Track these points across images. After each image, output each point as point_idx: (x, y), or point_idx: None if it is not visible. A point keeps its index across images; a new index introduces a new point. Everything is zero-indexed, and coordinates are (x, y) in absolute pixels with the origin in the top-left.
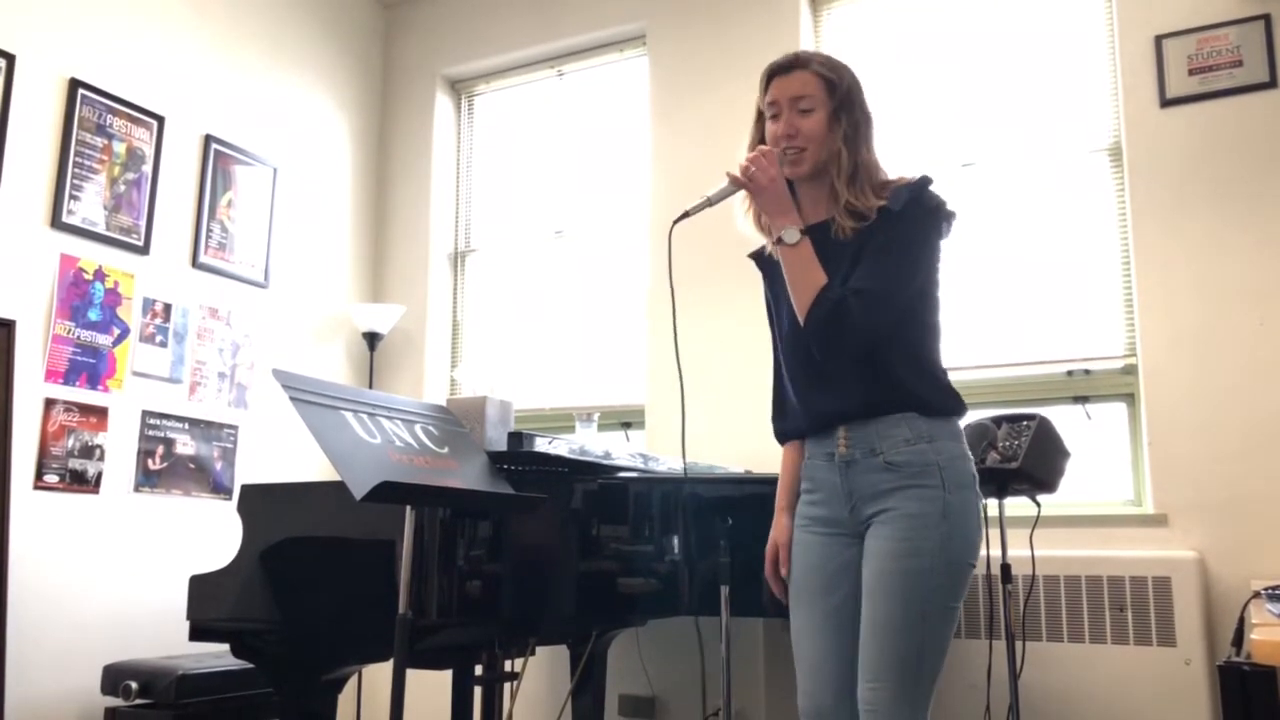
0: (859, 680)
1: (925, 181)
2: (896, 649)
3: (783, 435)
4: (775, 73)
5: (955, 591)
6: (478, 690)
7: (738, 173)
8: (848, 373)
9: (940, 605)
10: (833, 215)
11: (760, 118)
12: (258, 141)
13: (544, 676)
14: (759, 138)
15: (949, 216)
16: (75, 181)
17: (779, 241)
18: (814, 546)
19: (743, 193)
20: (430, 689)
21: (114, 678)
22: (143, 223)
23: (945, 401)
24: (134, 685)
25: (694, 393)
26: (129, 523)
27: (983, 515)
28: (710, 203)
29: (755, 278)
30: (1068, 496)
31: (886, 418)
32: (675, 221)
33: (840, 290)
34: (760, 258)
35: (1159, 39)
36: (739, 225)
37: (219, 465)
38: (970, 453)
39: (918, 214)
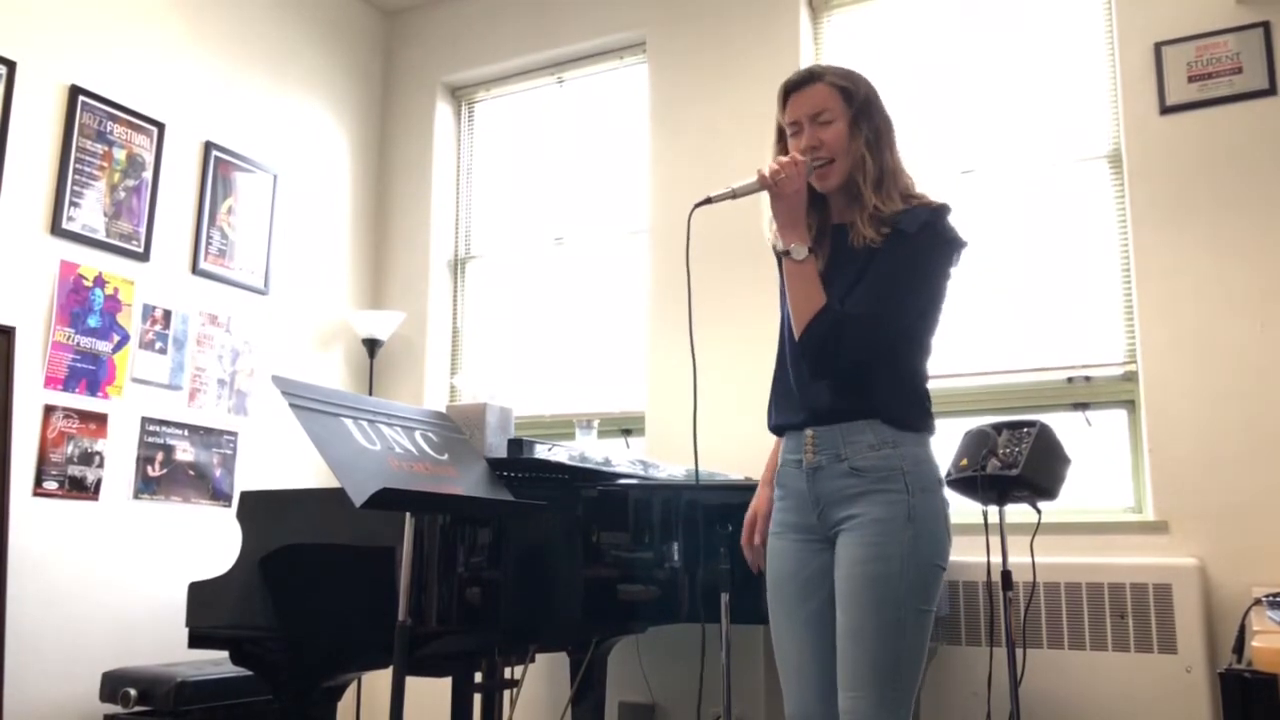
0: (839, 690)
1: (944, 210)
2: (873, 657)
3: (777, 430)
4: (790, 89)
5: (927, 595)
6: (477, 698)
7: (767, 173)
8: (816, 376)
9: (913, 609)
10: (852, 220)
11: (781, 135)
12: (258, 148)
13: (544, 684)
14: (781, 154)
15: (961, 247)
16: (75, 188)
17: (786, 254)
18: (788, 553)
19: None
20: (430, 696)
21: (113, 685)
22: (143, 229)
23: (917, 417)
24: (133, 692)
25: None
26: (128, 529)
27: (949, 518)
28: (735, 194)
29: (755, 286)
30: (1068, 503)
31: (854, 423)
32: (697, 205)
33: (838, 311)
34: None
35: (1159, 46)
36: (765, 234)
37: (218, 472)
38: (936, 459)
39: (932, 242)
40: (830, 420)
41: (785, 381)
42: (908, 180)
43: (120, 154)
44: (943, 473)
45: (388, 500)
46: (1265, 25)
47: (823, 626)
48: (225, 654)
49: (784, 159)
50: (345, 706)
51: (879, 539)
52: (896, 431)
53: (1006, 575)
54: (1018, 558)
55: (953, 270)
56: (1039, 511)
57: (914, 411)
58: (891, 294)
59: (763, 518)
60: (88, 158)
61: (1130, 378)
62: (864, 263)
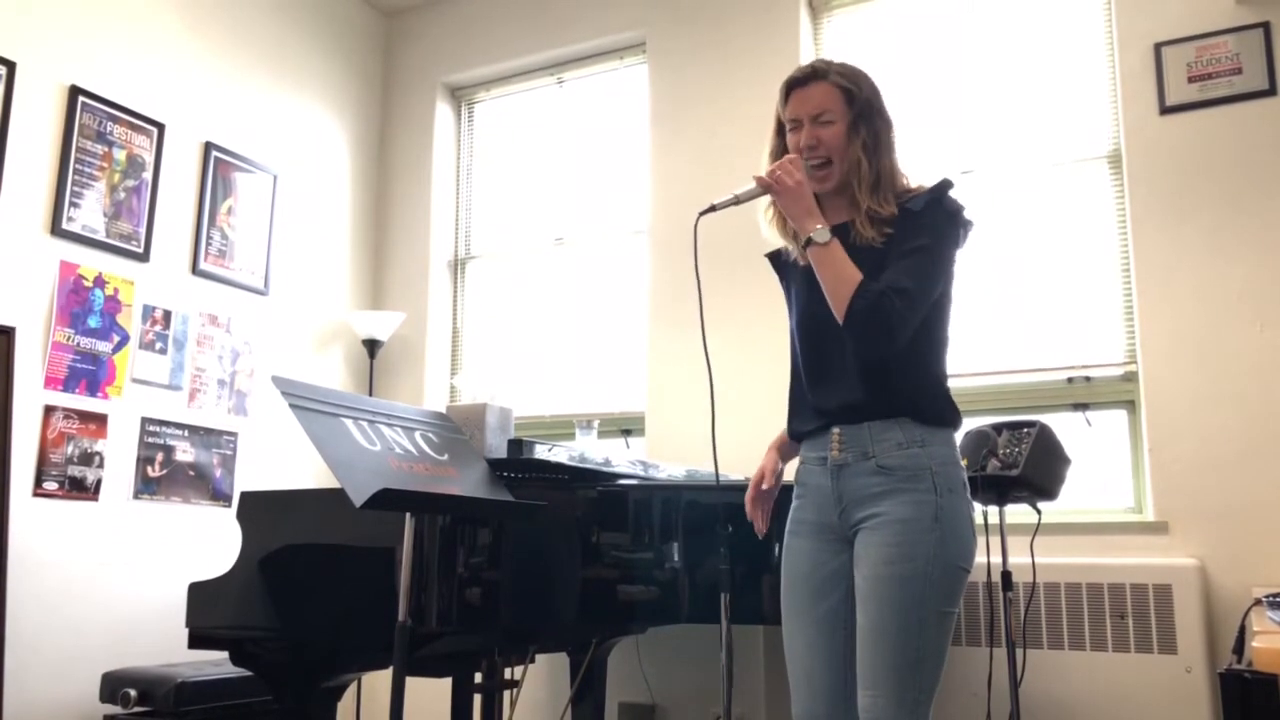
0: (858, 689)
1: (946, 185)
2: (893, 656)
3: (797, 435)
4: (794, 85)
5: (950, 596)
6: (477, 698)
7: (764, 174)
8: (850, 372)
9: (935, 610)
10: (852, 219)
11: (780, 128)
12: (258, 149)
13: (544, 684)
14: (779, 147)
15: (966, 225)
16: (75, 189)
17: (809, 243)
18: (804, 553)
19: (765, 200)
20: (430, 697)
21: (113, 685)
22: (143, 230)
23: (942, 412)
24: (133, 693)
25: (694, 400)
26: (128, 530)
27: (974, 521)
28: (737, 201)
29: (756, 286)
30: (1068, 504)
31: (880, 421)
32: (701, 214)
33: (878, 284)
34: (776, 258)
35: (1158, 47)
36: (763, 232)
37: (218, 472)
38: (961, 460)
39: (938, 216)
40: (857, 419)
41: (801, 388)
42: (903, 179)
43: (120, 154)
44: None
45: (388, 501)
46: (1265, 26)
47: (834, 628)
48: (225, 654)
49: (777, 162)
50: (345, 707)
51: (904, 539)
52: (925, 429)
53: (1006, 575)
54: (1018, 558)
55: (959, 252)
56: (1039, 512)
57: (941, 406)
58: (922, 269)
59: (769, 472)
60: (88, 158)
61: (1130, 378)
62: (869, 259)
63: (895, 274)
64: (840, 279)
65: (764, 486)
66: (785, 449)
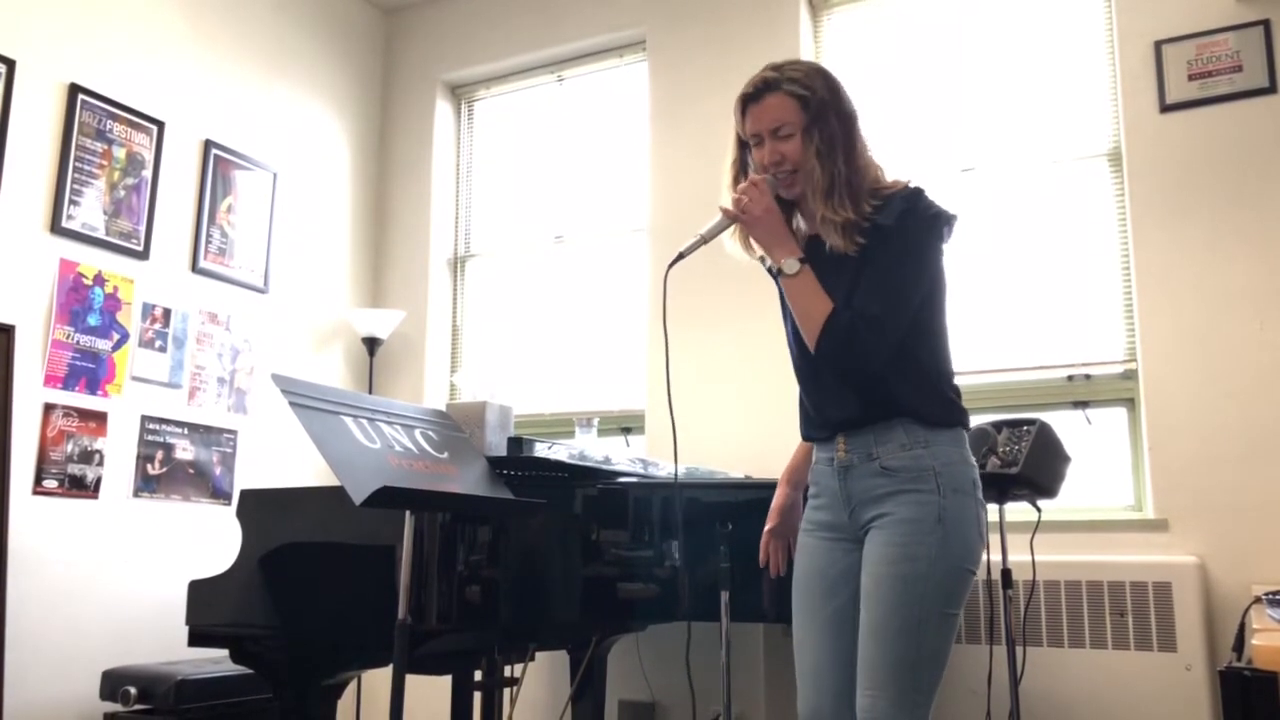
0: (857, 688)
1: (917, 193)
2: (893, 656)
3: (808, 439)
4: (747, 101)
5: (953, 598)
6: (477, 696)
7: (730, 205)
8: (846, 385)
9: (937, 611)
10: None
11: (740, 142)
12: (258, 146)
13: (544, 682)
14: (740, 160)
15: (949, 221)
16: (75, 186)
17: (780, 273)
18: (816, 551)
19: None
20: (430, 694)
21: (113, 683)
22: (142, 228)
23: (945, 411)
24: (133, 690)
25: (694, 399)
26: (128, 528)
27: (984, 521)
28: (704, 240)
29: (756, 286)
30: (1068, 501)
31: (884, 423)
32: (671, 264)
33: (848, 314)
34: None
35: (1159, 44)
36: (728, 248)
37: (218, 470)
38: (972, 458)
39: (915, 226)
40: (861, 426)
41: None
42: (877, 173)
43: (120, 152)
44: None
45: (387, 498)
46: (1265, 23)
47: (842, 627)
48: (225, 652)
49: (742, 185)
50: (345, 705)
51: (907, 539)
52: (929, 430)
53: (1006, 573)
54: (1017, 556)
55: (945, 246)
56: (1039, 510)
57: (944, 405)
58: (894, 288)
59: (777, 510)
60: (87, 156)
61: (1130, 376)
62: (843, 268)
63: (865, 299)
64: (809, 312)
65: (768, 527)
66: (798, 474)
